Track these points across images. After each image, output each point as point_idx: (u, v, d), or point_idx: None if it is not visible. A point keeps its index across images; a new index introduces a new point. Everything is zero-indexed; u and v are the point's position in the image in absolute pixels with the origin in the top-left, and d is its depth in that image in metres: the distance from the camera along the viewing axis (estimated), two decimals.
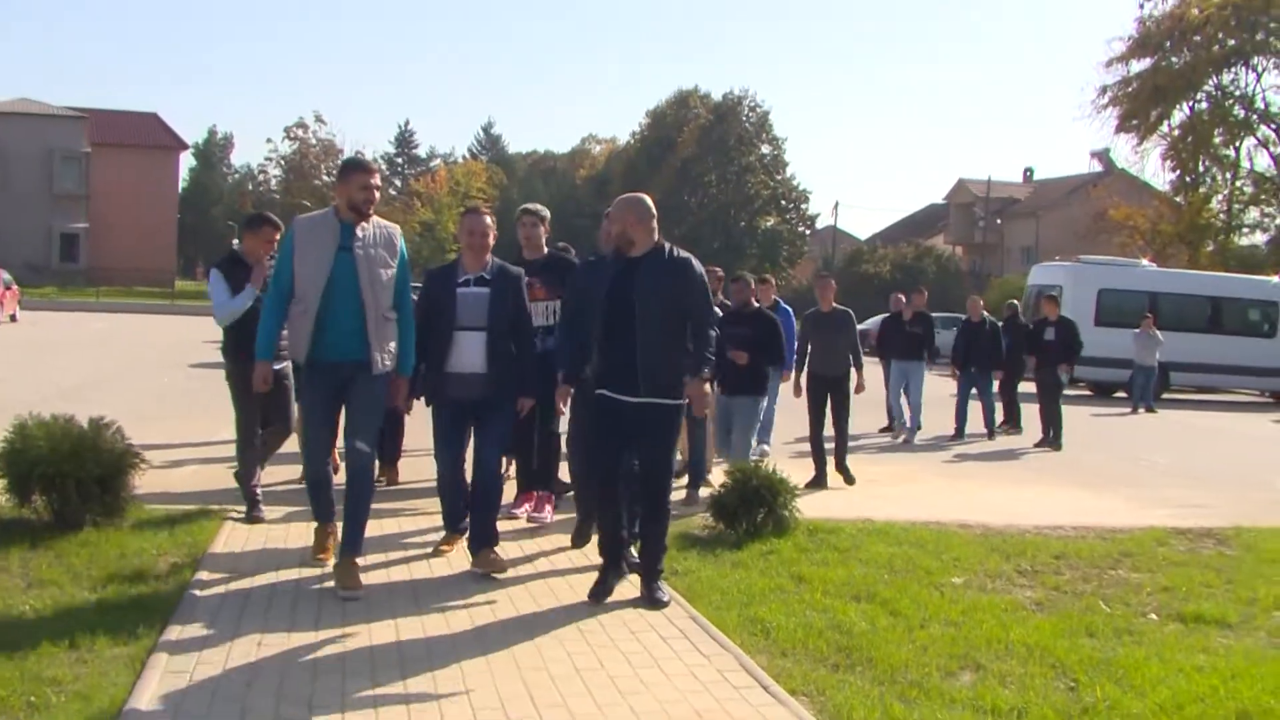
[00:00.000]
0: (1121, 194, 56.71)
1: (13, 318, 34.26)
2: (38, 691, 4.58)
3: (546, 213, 8.60)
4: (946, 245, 76.96)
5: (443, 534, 7.39)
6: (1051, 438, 15.82)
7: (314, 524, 7.05)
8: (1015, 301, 19.03)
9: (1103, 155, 64.20)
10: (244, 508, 8.01)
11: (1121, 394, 25.13)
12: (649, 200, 6.57)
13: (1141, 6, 54.29)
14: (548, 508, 8.33)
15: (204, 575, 6.44)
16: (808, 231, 79.48)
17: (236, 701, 4.60)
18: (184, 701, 4.56)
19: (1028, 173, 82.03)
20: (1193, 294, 28.76)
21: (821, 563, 7.46)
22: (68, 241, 64.20)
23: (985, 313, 16.79)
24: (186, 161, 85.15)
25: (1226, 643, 6.22)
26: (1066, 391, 24.24)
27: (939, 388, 17.90)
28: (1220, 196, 56.21)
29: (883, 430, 16.18)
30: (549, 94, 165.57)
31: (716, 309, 7.34)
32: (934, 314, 20.03)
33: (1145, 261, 31.07)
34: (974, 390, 16.55)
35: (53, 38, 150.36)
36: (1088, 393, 27.57)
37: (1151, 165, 59.44)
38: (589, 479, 7.19)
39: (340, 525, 6.52)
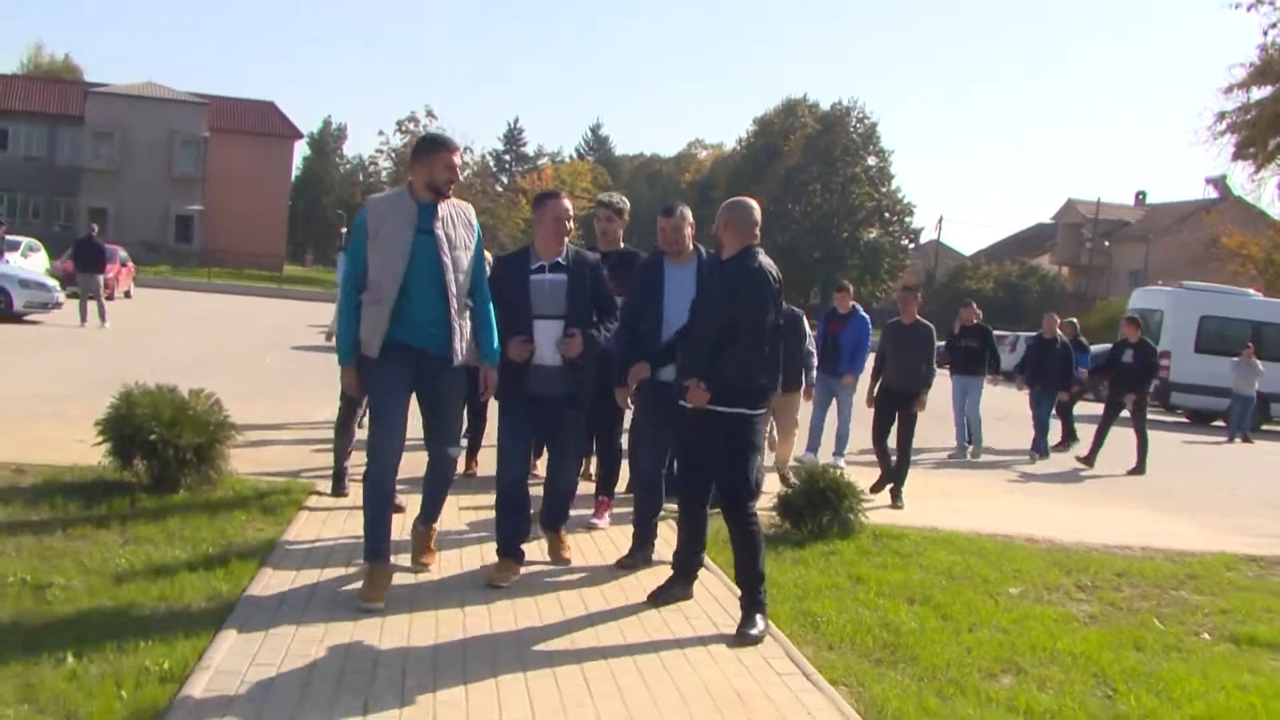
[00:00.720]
0: (1236, 222, 55.61)
1: (127, 294, 35.36)
2: (127, 635, 4.94)
3: (625, 204, 8.31)
4: (1052, 265, 76.06)
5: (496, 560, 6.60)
6: (1136, 465, 15.53)
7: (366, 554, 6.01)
8: (1075, 321, 18.71)
9: (1218, 182, 62.97)
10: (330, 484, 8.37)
11: (1219, 423, 24.72)
12: (749, 205, 6.19)
13: (1265, 33, 52.91)
14: (605, 514, 8.11)
15: (288, 538, 6.80)
16: (911, 245, 79.06)
17: (307, 657, 4.92)
18: (259, 653, 4.89)
19: (1140, 196, 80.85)
20: None
21: (881, 566, 7.63)
22: (183, 223, 66.09)
23: (1059, 330, 16.56)
24: (300, 150, 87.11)
25: (1276, 665, 6.28)
26: (1162, 418, 23.98)
27: (1018, 404, 17.78)
28: None
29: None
30: (658, 98, 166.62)
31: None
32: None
33: (1251, 291, 30.42)
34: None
35: (179, 25, 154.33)
36: (1185, 420, 27.20)
37: (1268, 194, 58.47)
38: (651, 481, 7.10)
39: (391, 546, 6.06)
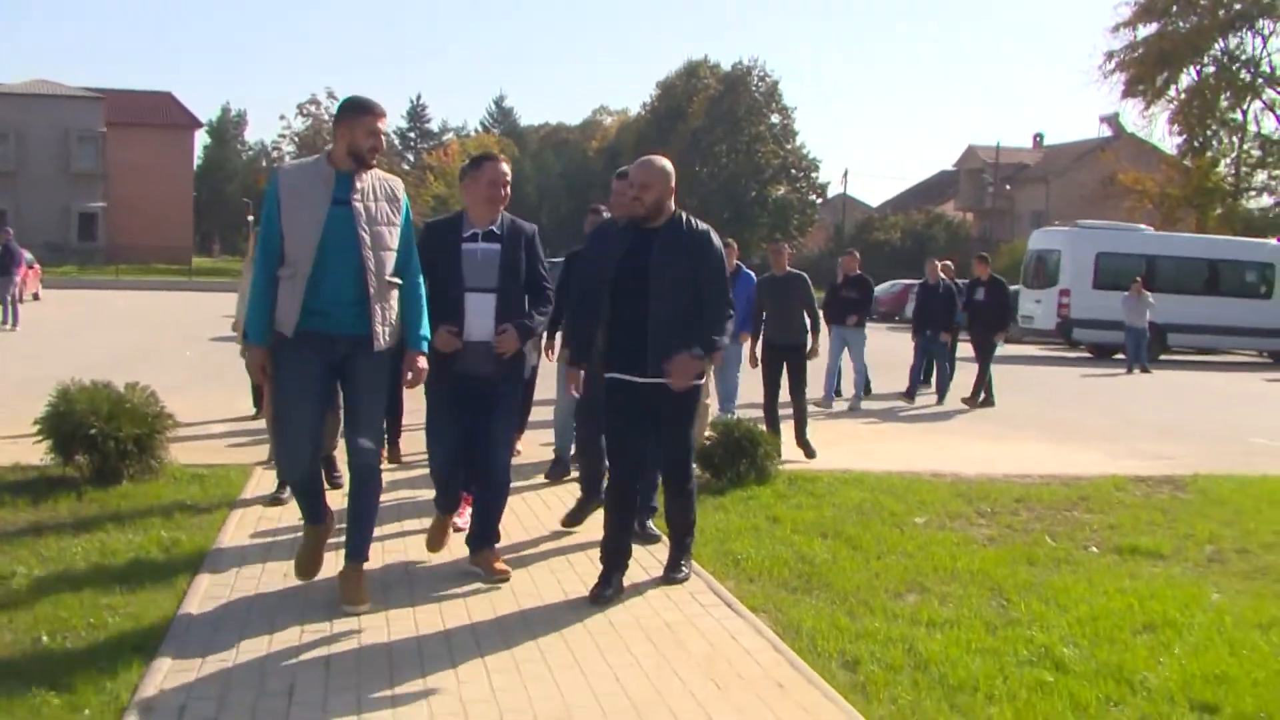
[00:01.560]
0: (1130, 159, 57.05)
1: (35, 296, 34.97)
2: (95, 614, 5.28)
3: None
4: (957, 212, 77.39)
5: (433, 520, 6.52)
6: (980, 397, 15.95)
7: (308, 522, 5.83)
8: (950, 263, 18.14)
9: (1112, 120, 64.54)
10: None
11: (1120, 355, 25.66)
12: (667, 165, 6.02)
13: None
14: (465, 510, 7.09)
15: (236, 516, 7.15)
16: (819, 200, 79.98)
17: (268, 618, 5.30)
18: (224, 619, 5.26)
19: (1038, 138, 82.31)
20: (1190, 257, 29.36)
21: (796, 506, 8.14)
22: (86, 220, 65.08)
23: (942, 275, 16.75)
24: (201, 139, 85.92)
25: (1155, 571, 6.89)
26: (1065, 353, 24.84)
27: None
28: (1228, 160, 56.65)
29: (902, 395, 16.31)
30: (560, 67, 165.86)
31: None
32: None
33: (1143, 226, 31.52)
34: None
35: (67, 19, 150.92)
36: (1088, 355, 28.17)
37: (1159, 130, 60.05)
38: (593, 456, 7.17)
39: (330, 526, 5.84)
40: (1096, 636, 5.47)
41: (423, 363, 5.63)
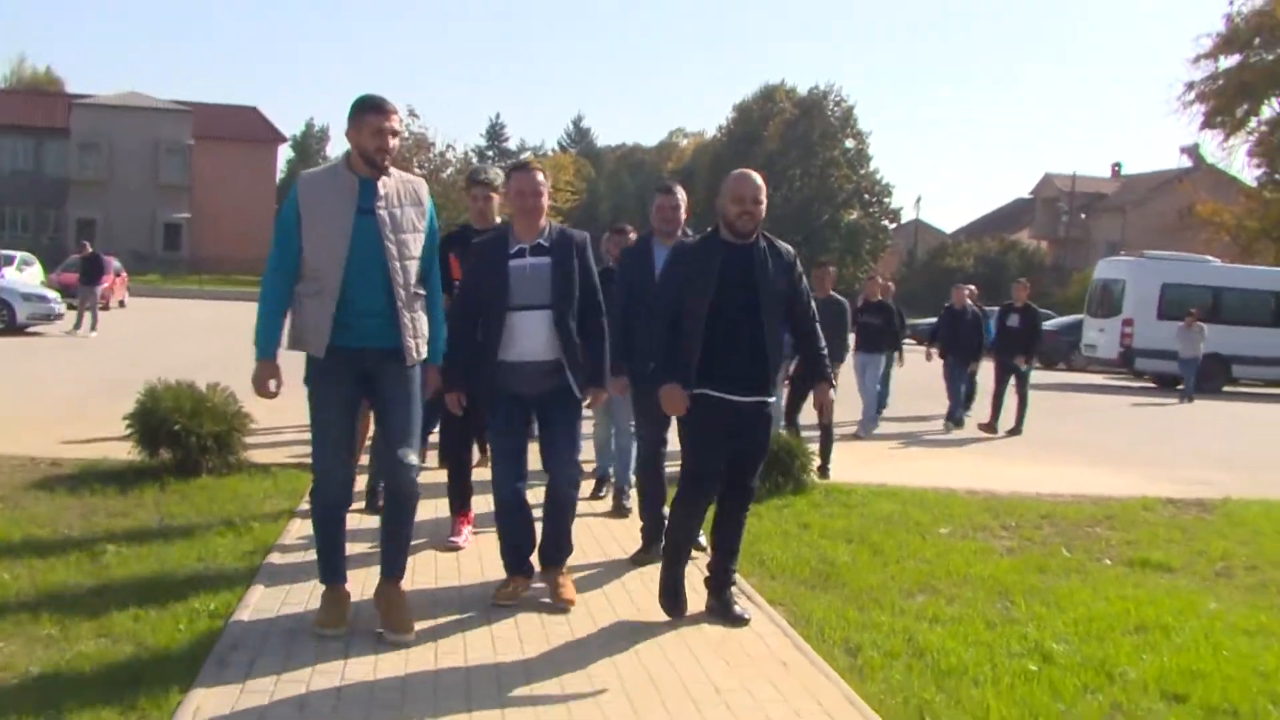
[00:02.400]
0: (1209, 190, 56.62)
1: (122, 304, 36.28)
2: (176, 587, 5.89)
3: (500, 178, 7.39)
4: (1032, 240, 77.09)
5: (502, 578, 6.11)
6: (1000, 426, 15.75)
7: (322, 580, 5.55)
8: (974, 288, 17.83)
9: (1192, 151, 64.04)
10: None
11: (1181, 386, 25.67)
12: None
13: (1231, 3, 54.35)
14: (465, 528, 7.23)
15: (303, 507, 7.74)
16: (891, 225, 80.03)
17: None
18: (288, 597, 5.82)
19: (1116, 167, 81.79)
20: (1257, 289, 29.28)
21: (827, 515, 8.59)
22: (171, 231, 66.86)
23: (970, 301, 16.56)
24: (284, 153, 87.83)
25: (1161, 582, 7.27)
26: (1129, 383, 24.87)
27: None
28: None
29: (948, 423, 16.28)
30: (638, 88, 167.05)
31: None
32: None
33: (1210, 258, 31.50)
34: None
35: (158, 33, 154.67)
36: (1151, 385, 28.22)
37: (1238, 161, 59.65)
38: (656, 480, 7.06)
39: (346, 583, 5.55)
40: (1088, 635, 5.90)
41: (436, 377, 5.57)
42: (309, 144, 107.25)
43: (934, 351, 16.88)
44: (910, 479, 10.61)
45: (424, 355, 5.38)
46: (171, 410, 8.64)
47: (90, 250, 27.43)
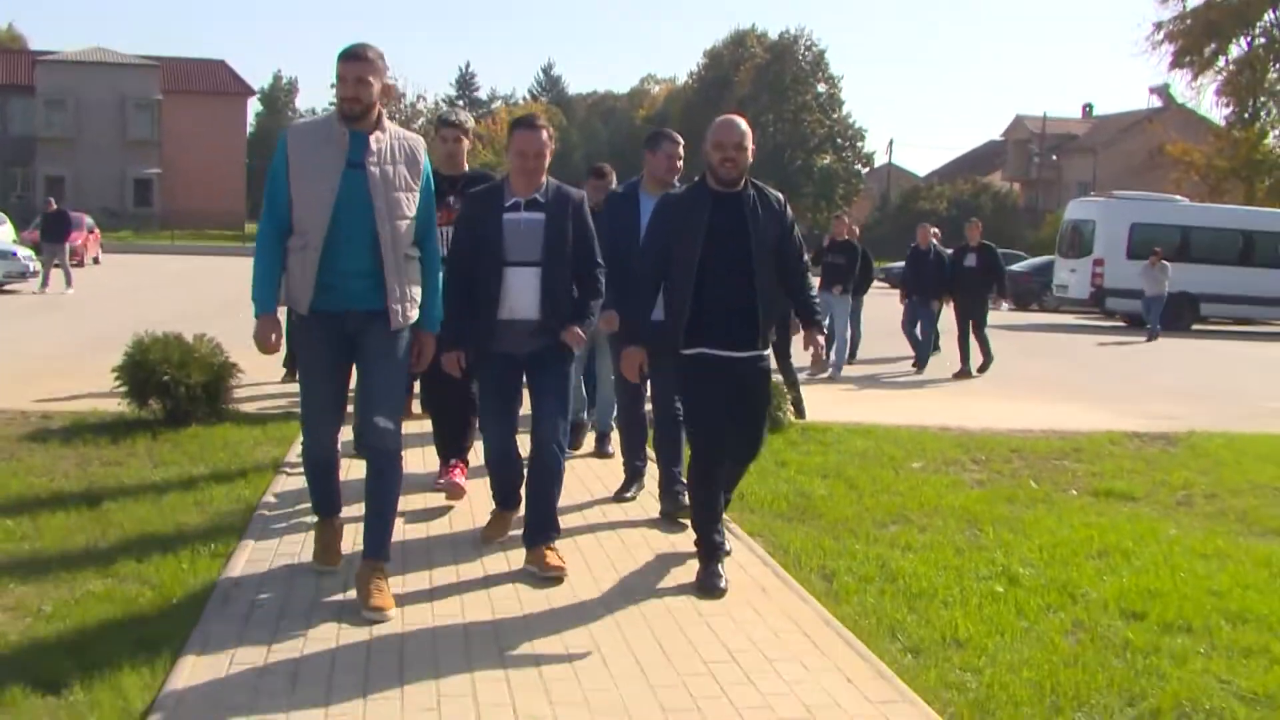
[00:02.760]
0: (1179, 130, 56.94)
1: (96, 260, 36.16)
2: (176, 531, 6.10)
3: (470, 122, 7.43)
4: (1004, 182, 77.35)
5: (490, 511, 6.21)
6: (972, 366, 15.70)
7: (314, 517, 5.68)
8: (937, 230, 17.32)
9: (1162, 90, 64.37)
10: None
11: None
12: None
13: None
14: (459, 473, 7.00)
15: (292, 457, 7.94)
16: (864, 169, 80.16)
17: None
18: (282, 542, 6.02)
19: (1087, 108, 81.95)
20: (1225, 228, 29.60)
21: (804, 453, 8.84)
22: (141, 186, 66.36)
23: (935, 241, 16.41)
24: (254, 107, 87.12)
25: (1124, 510, 7.55)
26: (1100, 321, 25.08)
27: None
28: (1276, 132, 56.43)
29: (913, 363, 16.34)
30: (608, 35, 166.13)
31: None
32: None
33: (1179, 197, 31.82)
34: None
35: None
36: (1122, 324, 28.57)
37: (1207, 101, 59.85)
38: (636, 426, 7.12)
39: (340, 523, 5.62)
40: (1052, 559, 6.18)
41: (432, 345, 5.31)
42: (277, 96, 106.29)
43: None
44: (885, 417, 10.86)
45: (410, 319, 5.12)
46: (160, 361, 8.78)
47: (55, 207, 27.01)
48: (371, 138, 4.99)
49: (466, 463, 7.08)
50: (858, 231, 17.40)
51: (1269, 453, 9.74)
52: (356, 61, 4.95)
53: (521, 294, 5.56)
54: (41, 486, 6.96)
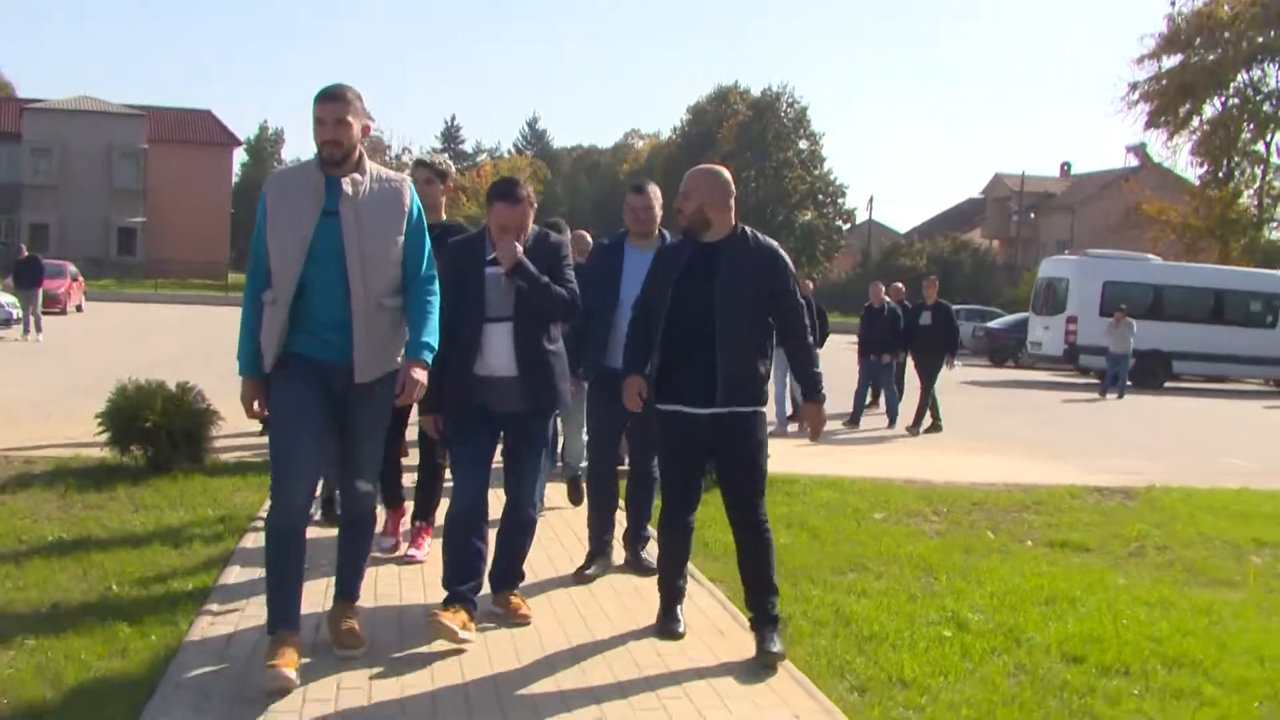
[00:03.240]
0: (1155, 189, 57.67)
1: (79, 308, 36.36)
2: (155, 571, 6.29)
3: (449, 167, 7.16)
4: (983, 239, 78.10)
5: (442, 598, 5.46)
6: (926, 424, 15.82)
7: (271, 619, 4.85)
8: (900, 285, 17.84)
9: (1138, 150, 65.19)
10: None
11: (1129, 382, 26.15)
12: (726, 174, 5.58)
13: (1172, 3, 55.55)
14: (425, 540, 6.90)
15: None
16: (845, 225, 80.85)
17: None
18: (257, 587, 6.21)
19: (1065, 167, 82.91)
20: (1197, 286, 30.12)
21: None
22: (125, 235, 66.55)
23: (886, 298, 16.62)
24: (239, 157, 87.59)
25: (1077, 561, 7.80)
26: (1074, 379, 25.29)
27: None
28: (1250, 191, 57.27)
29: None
30: (593, 89, 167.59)
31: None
32: (961, 306, 19.88)
33: (1151, 256, 32.34)
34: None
35: (108, 37, 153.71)
36: (1095, 380, 28.91)
37: (1182, 160, 60.77)
38: (606, 487, 6.86)
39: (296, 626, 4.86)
40: (1001, 606, 6.41)
41: (420, 375, 4.87)
42: (263, 147, 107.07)
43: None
44: (853, 470, 11.12)
45: (378, 374, 4.84)
46: (142, 408, 9.00)
47: (26, 253, 26.94)
48: (346, 181, 4.75)
49: (431, 525, 6.84)
50: (810, 286, 17.69)
51: (1222, 507, 10.01)
52: (334, 102, 4.75)
53: (501, 352, 5.40)
54: (24, 529, 7.15)
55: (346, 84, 4.82)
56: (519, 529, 5.67)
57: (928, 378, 16.03)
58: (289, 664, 4.58)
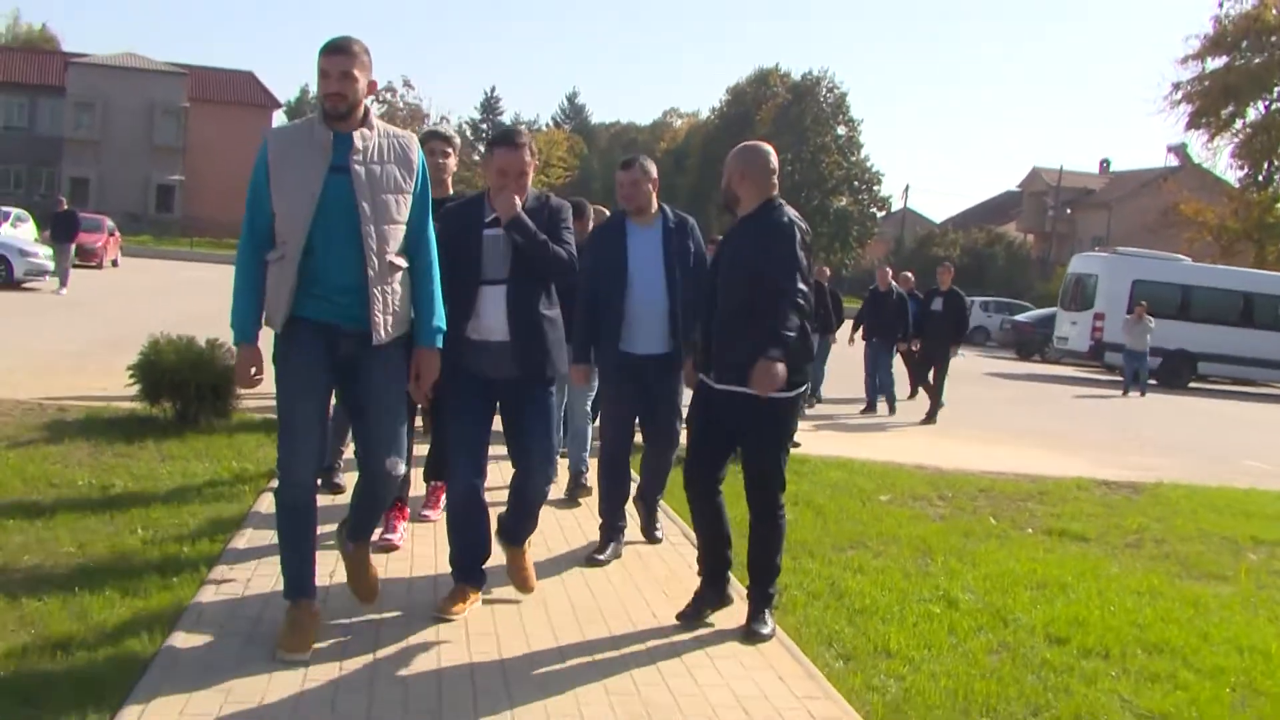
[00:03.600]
0: (1194, 189, 57.29)
1: (114, 263, 36.84)
2: (179, 518, 6.56)
3: (456, 139, 6.95)
4: (1019, 232, 77.83)
5: (451, 587, 5.46)
6: (929, 412, 15.81)
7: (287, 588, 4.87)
8: (909, 274, 17.95)
9: (1179, 150, 64.76)
10: None
11: (1153, 380, 26.16)
12: (764, 149, 5.59)
13: (1220, 5, 54.99)
14: (438, 505, 6.85)
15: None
16: (880, 213, 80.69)
17: None
18: (273, 540, 6.44)
19: (1104, 164, 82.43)
20: (1226, 288, 30.03)
21: None
22: (164, 193, 67.17)
23: (894, 282, 16.52)
24: (279, 119, 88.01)
25: (1074, 549, 7.97)
26: (1099, 375, 25.28)
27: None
28: None
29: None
30: (634, 66, 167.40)
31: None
32: (991, 299, 19.70)
33: (1182, 257, 32.26)
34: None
35: None
36: (1120, 377, 28.94)
37: (1223, 162, 60.39)
38: (619, 460, 6.69)
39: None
40: (992, 588, 6.60)
41: (435, 363, 4.85)
42: (303, 110, 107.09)
43: (856, 336, 16.75)
44: (864, 453, 11.31)
45: (393, 334, 4.68)
46: (173, 362, 9.28)
47: (65, 206, 27.29)
48: (356, 135, 4.61)
49: (406, 504, 6.61)
50: (827, 272, 17.56)
51: (1225, 504, 10.15)
52: (340, 55, 4.61)
53: (496, 314, 5.20)
54: (55, 473, 7.43)
55: (354, 37, 4.70)
56: (530, 501, 5.40)
57: (940, 365, 16.06)
58: (301, 646, 4.61)
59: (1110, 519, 9.10)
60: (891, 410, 16.37)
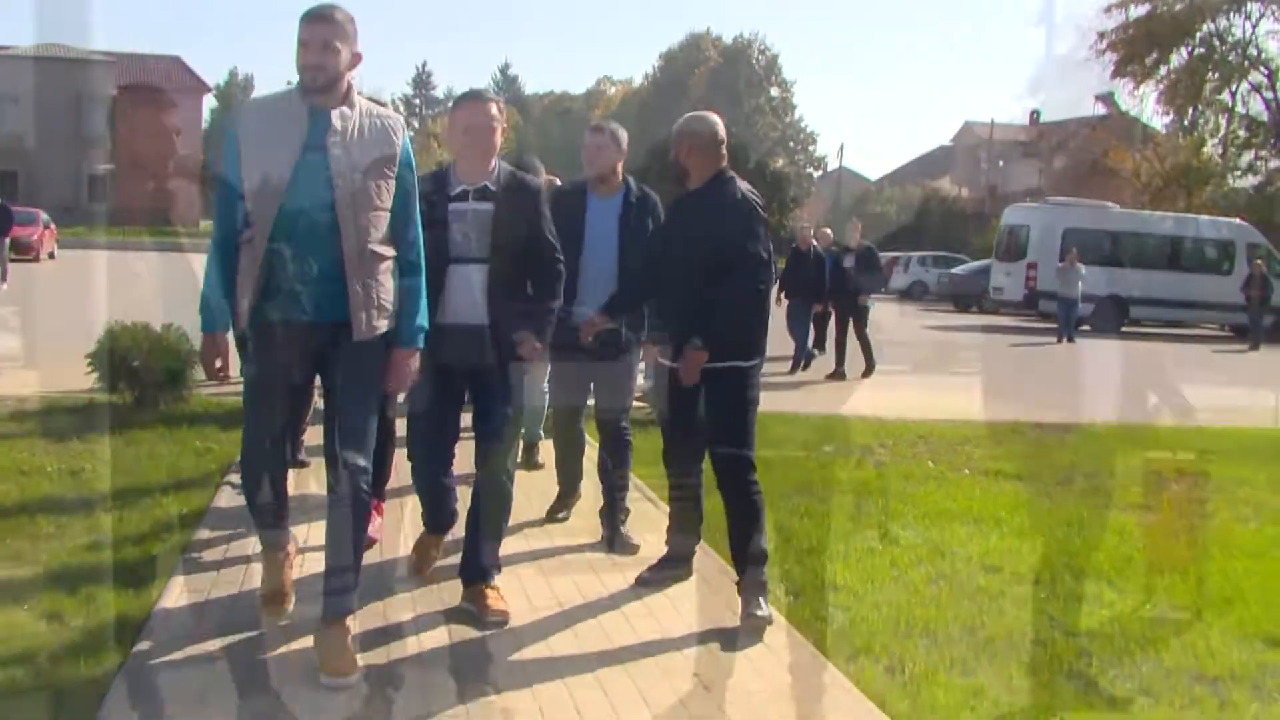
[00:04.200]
0: (1124, 138, 58.22)
1: (51, 255, 36.59)
2: (149, 497, 6.79)
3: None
4: (953, 186, 78.68)
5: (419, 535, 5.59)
6: (863, 367, 15.70)
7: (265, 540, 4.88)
8: (828, 230, 17.41)
9: (1107, 99, 65.64)
10: None
11: (1086, 326, 26.88)
12: (710, 120, 5.52)
13: None
14: (377, 519, 6.06)
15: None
16: (816, 173, 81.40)
17: None
18: (244, 512, 6.71)
19: (1034, 115, 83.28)
20: (1155, 233, 30.83)
21: None
22: (96, 183, 66.46)
23: (815, 242, 16.21)
24: (209, 103, 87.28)
25: (1008, 487, 8.38)
26: (1033, 324, 25.86)
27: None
28: (1215, 140, 57.96)
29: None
30: (565, 35, 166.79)
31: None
32: (927, 254, 19.74)
33: (1111, 204, 32.97)
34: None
35: None
36: (1054, 325, 29.59)
37: (1149, 109, 61.24)
38: (572, 445, 6.78)
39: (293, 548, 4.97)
40: (931, 525, 7.00)
41: (413, 364, 4.54)
42: (232, 93, 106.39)
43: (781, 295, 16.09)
44: (810, 407, 11.69)
45: (379, 329, 4.36)
46: (130, 349, 9.47)
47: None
48: (335, 113, 4.27)
49: (383, 499, 6.23)
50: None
51: (1151, 441, 10.65)
52: (322, 24, 4.28)
53: (466, 295, 4.88)
54: (24, 460, 7.62)
55: (338, 4, 4.37)
56: (493, 502, 5.06)
57: (859, 320, 15.81)
58: (285, 600, 4.74)
59: (1043, 458, 9.55)
60: (794, 369, 15.93)
